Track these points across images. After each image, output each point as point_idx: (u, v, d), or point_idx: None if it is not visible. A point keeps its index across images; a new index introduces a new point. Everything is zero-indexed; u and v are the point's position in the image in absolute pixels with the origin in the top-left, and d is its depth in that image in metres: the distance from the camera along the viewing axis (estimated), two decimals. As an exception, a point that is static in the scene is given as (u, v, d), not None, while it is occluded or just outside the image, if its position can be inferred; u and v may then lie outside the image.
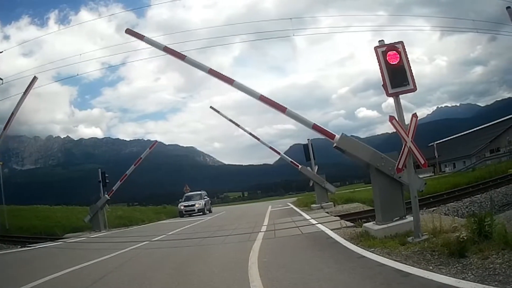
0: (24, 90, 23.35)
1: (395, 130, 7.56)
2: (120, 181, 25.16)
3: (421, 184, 8.20)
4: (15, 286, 7.34)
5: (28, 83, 23.26)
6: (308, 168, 23.51)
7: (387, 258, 6.46)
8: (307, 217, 16.43)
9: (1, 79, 25.53)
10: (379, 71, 7.86)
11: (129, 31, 13.95)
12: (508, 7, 20.30)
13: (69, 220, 27.47)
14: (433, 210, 16.27)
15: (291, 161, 25.05)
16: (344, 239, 9.05)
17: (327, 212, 18.04)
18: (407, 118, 7.69)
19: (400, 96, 7.94)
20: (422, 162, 7.51)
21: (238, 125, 26.79)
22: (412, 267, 5.63)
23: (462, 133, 75.75)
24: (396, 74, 7.75)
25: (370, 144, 9.89)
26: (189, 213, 32.75)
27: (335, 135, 9.66)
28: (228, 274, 6.79)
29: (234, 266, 7.38)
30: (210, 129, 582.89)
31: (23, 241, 21.00)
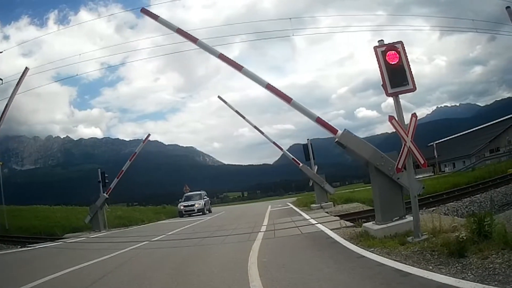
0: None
1: (394, 130, 7.56)
2: (117, 178, 25.15)
3: (419, 188, 8.21)
4: (15, 286, 7.34)
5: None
6: (308, 167, 23.52)
7: (386, 258, 6.46)
8: (307, 217, 16.42)
9: (1, 79, 25.55)
10: (379, 71, 7.87)
11: (144, 11, 14.15)
12: (507, 7, 20.33)
13: (69, 220, 27.48)
14: (433, 210, 16.24)
15: (292, 158, 25.03)
16: (344, 239, 9.05)
17: (327, 212, 18.04)
18: (407, 118, 7.70)
19: (400, 96, 7.94)
20: (422, 162, 7.51)
21: (244, 117, 26.64)
22: (411, 267, 5.63)
23: (462, 133, 75.70)
24: (396, 74, 7.74)
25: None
26: (189, 213, 32.71)
27: (337, 130, 9.70)
28: (227, 274, 6.79)
29: (234, 266, 7.37)
30: (210, 129, 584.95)
31: (23, 241, 21.03)
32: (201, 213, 32.87)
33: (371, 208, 15.02)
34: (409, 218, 8.25)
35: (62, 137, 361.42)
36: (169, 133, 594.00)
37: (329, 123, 10.07)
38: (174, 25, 13.00)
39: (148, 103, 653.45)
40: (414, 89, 7.81)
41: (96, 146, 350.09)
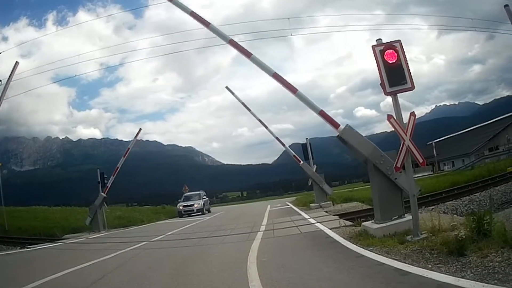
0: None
1: (393, 129, 7.57)
2: (113, 176, 25.21)
3: (416, 190, 8.19)
4: (15, 286, 7.36)
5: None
6: (309, 165, 23.53)
7: (386, 257, 6.46)
8: (306, 216, 16.42)
9: (0, 80, 25.51)
10: (377, 70, 7.87)
11: None
12: (506, 5, 20.27)
13: (68, 221, 27.49)
14: (432, 208, 16.24)
15: (294, 155, 25.03)
16: (343, 238, 9.06)
17: (326, 211, 18.05)
18: (406, 116, 7.68)
19: (398, 95, 7.94)
20: (421, 160, 7.51)
21: (249, 110, 26.53)
22: (411, 266, 5.62)
23: (461, 132, 75.70)
24: (394, 73, 7.75)
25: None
26: (188, 213, 32.71)
27: (339, 125, 9.73)
28: (227, 274, 6.78)
29: (233, 266, 7.38)
30: (209, 129, 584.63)
31: (22, 242, 21.01)
32: (200, 213, 32.86)
33: (370, 207, 15.02)
34: (408, 217, 8.25)
35: (61, 138, 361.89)
36: (168, 133, 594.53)
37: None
38: (188, 8, 13.02)
39: (147, 104, 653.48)
40: (412, 88, 7.81)
41: (95, 146, 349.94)
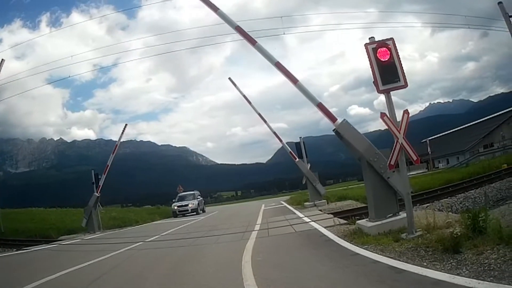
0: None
1: (387, 127, 7.56)
2: (104, 174, 25.24)
3: (408, 190, 8.18)
4: (12, 288, 7.33)
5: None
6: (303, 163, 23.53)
7: (381, 255, 6.46)
8: (301, 215, 16.39)
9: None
10: (370, 68, 7.87)
11: None
12: (499, 2, 20.30)
13: (64, 223, 27.38)
14: (427, 206, 16.28)
15: (290, 152, 24.98)
16: (338, 236, 9.05)
17: (320, 210, 18.05)
18: (399, 114, 7.68)
19: (392, 92, 7.95)
20: (415, 158, 7.51)
21: (250, 103, 26.44)
22: (406, 263, 5.63)
23: (455, 129, 75.85)
24: (387, 71, 7.75)
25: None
26: (183, 213, 32.73)
27: (337, 119, 9.80)
28: (222, 273, 6.79)
29: (228, 265, 7.38)
30: (202, 129, 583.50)
31: (18, 244, 20.90)
32: (195, 213, 32.87)
33: (365, 205, 15.05)
34: (403, 214, 8.26)
35: (55, 139, 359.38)
36: (162, 133, 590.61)
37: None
38: None
39: (141, 104, 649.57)
40: (405, 85, 7.82)
41: (90, 147, 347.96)
